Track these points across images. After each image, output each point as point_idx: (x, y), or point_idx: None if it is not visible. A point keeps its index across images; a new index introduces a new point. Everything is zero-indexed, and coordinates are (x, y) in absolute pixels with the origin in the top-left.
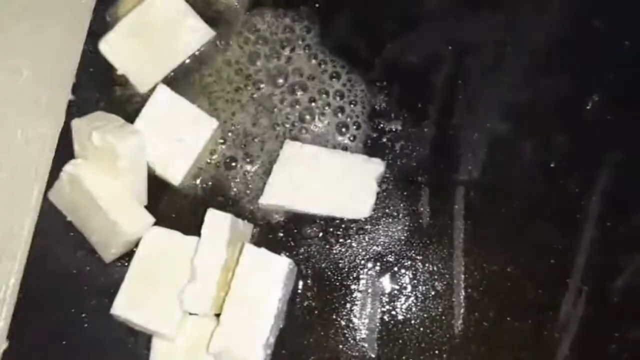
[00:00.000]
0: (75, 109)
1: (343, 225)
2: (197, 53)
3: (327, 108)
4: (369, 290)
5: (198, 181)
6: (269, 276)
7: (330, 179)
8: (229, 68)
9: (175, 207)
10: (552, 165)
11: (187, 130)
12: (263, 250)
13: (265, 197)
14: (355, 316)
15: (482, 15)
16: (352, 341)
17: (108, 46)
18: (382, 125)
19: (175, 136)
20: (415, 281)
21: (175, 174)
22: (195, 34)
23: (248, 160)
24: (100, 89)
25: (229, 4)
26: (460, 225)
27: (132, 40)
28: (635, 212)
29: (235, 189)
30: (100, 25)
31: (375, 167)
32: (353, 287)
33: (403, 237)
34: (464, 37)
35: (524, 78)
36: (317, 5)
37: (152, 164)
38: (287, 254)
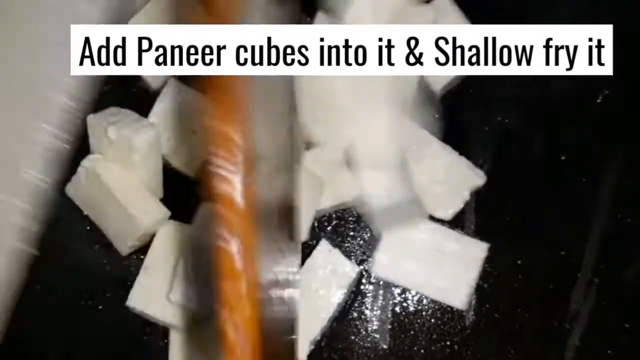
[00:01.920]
0: (90, 106)
1: (355, 213)
2: None
3: None
4: (381, 283)
5: None
6: (335, 279)
7: None
8: None
9: (191, 200)
10: (562, 158)
11: (201, 121)
12: (336, 251)
13: None
14: (367, 308)
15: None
16: (364, 332)
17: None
18: None
19: (189, 127)
20: None
21: (191, 165)
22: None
23: None
24: (114, 86)
25: None
26: (471, 218)
27: (155, 19)
28: None
29: None
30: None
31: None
32: (364, 279)
33: None
34: None
35: None
36: None
37: (167, 157)
38: None
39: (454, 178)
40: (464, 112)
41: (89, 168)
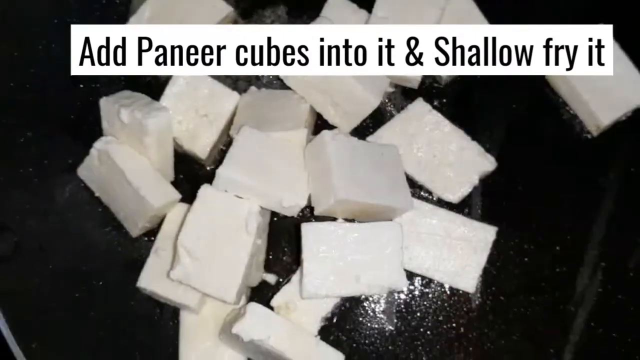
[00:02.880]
0: (103, 89)
1: None
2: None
3: None
4: None
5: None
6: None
7: None
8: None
9: (201, 183)
10: (570, 143)
11: (211, 105)
12: None
13: None
14: None
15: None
16: (371, 314)
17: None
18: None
19: (200, 111)
20: None
21: (202, 147)
22: (213, 9)
23: None
24: None
25: None
26: (478, 202)
27: (154, 22)
28: None
29: None
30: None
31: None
32: None
33: None
34: None
35: None
36: None
37: (178, 140)
38: None
39: (464, 162)
40: (473, 98)
41: (102, 150)
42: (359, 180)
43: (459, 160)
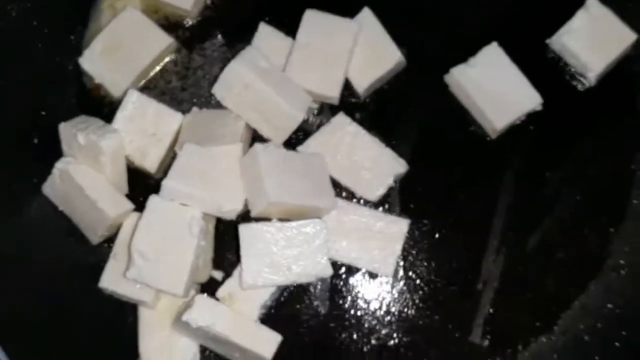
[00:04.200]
0: (61, 115)
1: None
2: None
3: None
4: None
5: None
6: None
7: None
8: (187, 71)
9: (152, 194)
10: (472, 145)
11: (158, 126)
12: None
13: None
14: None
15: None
16: (307, 301)
17: (87, 60)
18: None
19: (148, 131)
20: None
21: (151, 163)
22: (154, 41)
23: None
24: (81, 96)
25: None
26: (395, 199)
27: (105, 54)
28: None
29: None
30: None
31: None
32: None
33: None
34: None
35: None
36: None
37: (130, 157)
38: None
39: (380, 166)
40: (387, 110)
41: (62, 169)
42: (288, 185)
43: (376, 164)
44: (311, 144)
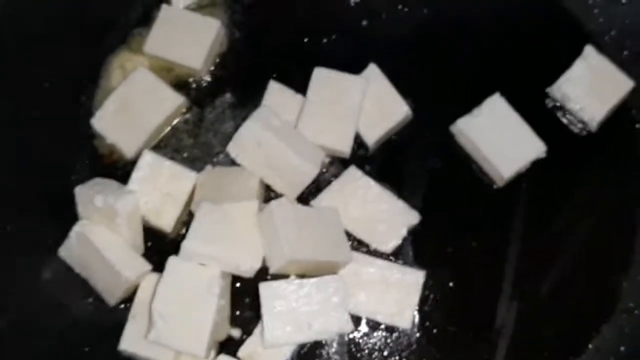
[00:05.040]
0: (75, 178)
1: None
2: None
3: None
4: None
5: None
6: None
7: None
8: (199, 129)
9: (169, 252)
10: (480, 193)
11: (172, 185)
12: None
13: None
14: None
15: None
16: (325, 355)
17: (99, 122)
18: None
19: (163, 191)
20: None
21: (167, 222)
22: (166, 101)
23: None
24: (95, 158)
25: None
26: (408, 250)
27: (117, 114)
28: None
29: None
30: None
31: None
32: None
33: None
34: None
35: None
36: None
37: (146, 217)
38: None
39: (393, 218)
40: (396, 161)
41: (79, 232)
42: (304, 241)
43: (389, 216)
44: (324, 198)
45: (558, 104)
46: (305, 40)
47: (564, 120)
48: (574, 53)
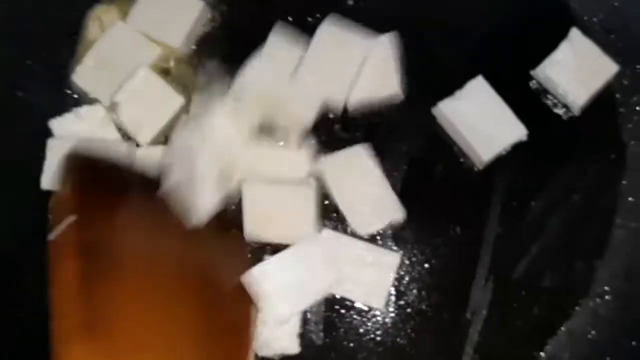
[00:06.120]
0: None
1: None
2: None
3: None
4: None
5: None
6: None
7: None
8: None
9: None
10: (460, 177)
11: (159, 103)
12: None
13: None
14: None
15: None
16: (301, 331)
17: (79, 77)
18: None
19: (148, 106)
20: None
21: (143, 137)
22: (144, 53)
23: None
24: None
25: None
26: (387, 232)
27: (96, 69)
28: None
29: None
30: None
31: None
32: None
33: None
34: None
35: None
36: None
37: (125, 126)
38: None
39: (379, 206)
40: (377, 142)
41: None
42: None
43: (377, 204)
44: (327, 161)
45: (541, 87)
46: (290, 19)
47: (548, 103)
48: (560, 35)
